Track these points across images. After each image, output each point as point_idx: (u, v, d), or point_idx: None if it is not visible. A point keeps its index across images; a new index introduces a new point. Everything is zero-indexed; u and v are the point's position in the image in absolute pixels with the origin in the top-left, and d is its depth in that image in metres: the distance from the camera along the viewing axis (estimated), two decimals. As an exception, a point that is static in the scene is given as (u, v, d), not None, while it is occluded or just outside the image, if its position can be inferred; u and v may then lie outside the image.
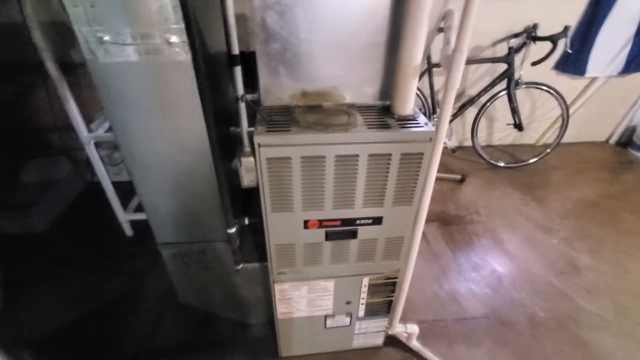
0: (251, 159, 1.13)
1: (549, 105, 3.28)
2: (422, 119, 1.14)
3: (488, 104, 3.10)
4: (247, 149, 1.13)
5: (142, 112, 1.11)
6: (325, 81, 1.18)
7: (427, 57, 2.99)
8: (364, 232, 1.25)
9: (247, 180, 1.14)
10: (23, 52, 2.25)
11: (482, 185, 3.16)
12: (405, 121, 1.12)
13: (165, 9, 0.96)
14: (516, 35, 2.96)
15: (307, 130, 1.04)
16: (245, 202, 1.77)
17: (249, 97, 1.13)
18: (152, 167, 1.23)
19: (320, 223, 1.20)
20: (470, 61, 3.10)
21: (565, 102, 3.10)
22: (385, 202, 1.19)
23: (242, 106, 1.09)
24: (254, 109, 1.05)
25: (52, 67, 1.72)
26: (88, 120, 2.00)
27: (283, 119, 1.12)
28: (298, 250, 1.28)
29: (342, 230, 1.23)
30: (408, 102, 1.13)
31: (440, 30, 1.15)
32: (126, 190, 2.23)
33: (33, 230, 2.52)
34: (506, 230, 2.62)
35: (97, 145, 2.03)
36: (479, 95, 3.08)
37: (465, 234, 2.57)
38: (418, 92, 3.14)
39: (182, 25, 0.97)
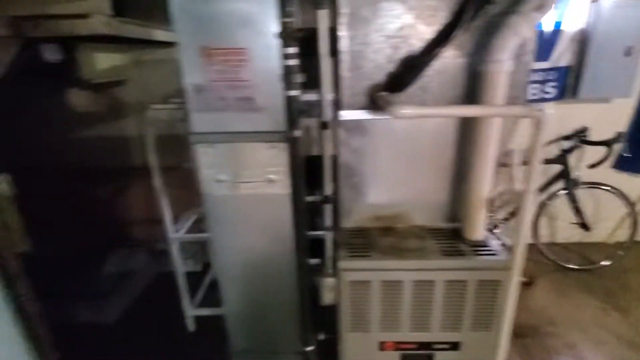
0: (332, 279, 1.23)
1: (615, 204, 3.13)
2: (494, 244, 1.20)
3: (547, 202, 3.05)
4: (330, 270, 1.24)
5: (240, 232, 1.30)
6: (398, 206, 1.32)
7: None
8: (441, 357, 1.23)
9: (327, 298, 1.22)
10: (130, 157, 2.75)
11: (553, 289, 2.92)
12: (478, 247, 1.19)
13: (273, 157, 1.20)
14: (567, 138, 3.03)
15: (386, 257, 1.14)
16: (319, 315, 1.81)
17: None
18: (238, 279, 1.37)
19: (397, 345, 1.20)
20: (523, 162, 3.16)
21: (629, 200, 2.96)
22: (463, 327, 1.18)
23: (329, 235, 1.23)
24: (338, 234, 1.18)
25: (155, 174, 2.04)
26: (172, 218, 2.27)
27: (361, 242, 1.23)
28: (372, 372, 1.27)
29: (419, 354, 1.21)
30: (479, 228, 1.21)
31: (503, 164, 1.27)
32: (191, 282, 2.39)
33: (104, 320, 2.70)
34: (589, 347, 2.32)
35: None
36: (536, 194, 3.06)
37: (542, 349, 2.31)
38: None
39: (283, 168, 1.19)
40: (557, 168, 3.02)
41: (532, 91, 3.03)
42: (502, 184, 3.39)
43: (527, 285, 2.98)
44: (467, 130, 1.18)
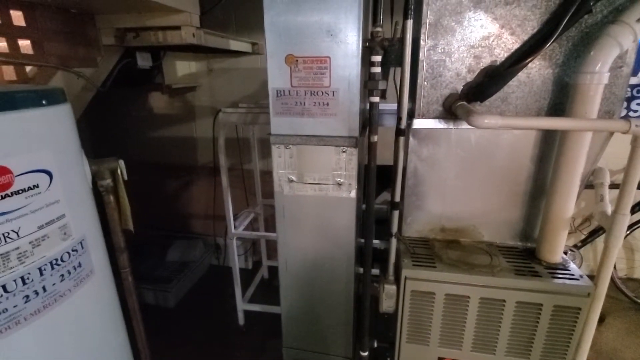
0: (393, 286, 1.22)
1: None
2: (574, 269, 1.11)
3: (627, 232, 2.74)
4: (391, 277, 1.23)
5: (305, 232, 1.35)
6: (465, 220, 1.28)
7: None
8: (505, 383, 1.16)
9: (385, 305, 1.22)
10: (193, 156, 2.98)
11: (627, 329, 2.60)
12: (555, 270, 1.11)
13: (342, 161, 1.23)
14: (656, 162, 2.71)
15: (452, 269, 1.11)
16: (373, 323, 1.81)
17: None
18: (298, 276, 1.42)
19: (457, 364, 1.16)
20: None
21: None
22: (532, 355, 1.11)
23: (394, 241, 1.23)
24: (403, 242, 1.18)
25: (224, 172, 2.19)
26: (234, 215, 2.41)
27: (425, 252, 1.21)
28: (428, 387, 1.23)
29: (481, 377, 1.16)
30: (558, 251, 1.13)
31: (589, 186, 1.18)
32: (243, 279, 2.50)
33: (165, 305, 2.91)
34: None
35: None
36: (614, 222, 2.76)
37: (613, 396, 2.06)
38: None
39: (352, 172, 1.22)
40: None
41: (638, 107, 2.77)
42: (586, 206, 3.12)
43: (598, 322, 2.69)
44: (551, 145, 1.11)
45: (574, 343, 1.08)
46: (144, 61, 2.34)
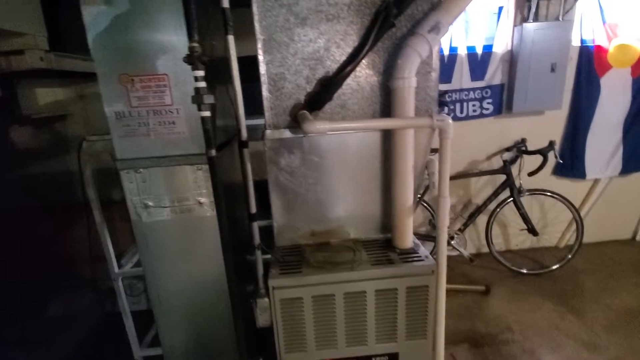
0: (265, 299, 1.21)
1: (559, 209, 3.33)
2: (422, 251, 1.24)
3: (497, 210, 3.20)
4: (262, 290, 1.22)
5: (172, 258, 1.27)
6: (332, 221, 1.34)
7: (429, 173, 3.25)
8: (381, 370, 1.22)
9: (261, 320, 1.20)
10: (70, 192, 2.65)
11: (509, 295, 3.01)
12: (407, 255, 1.22)
13: (200, 179, 1.20)
14: (508, 150, 3.25)
15: (316, 271, 1.15)
16: (260, 340, 1.76)
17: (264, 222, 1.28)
18: (175, 306, 1.32)
19: (335, 362, 1.19)
20: (469, 174, 3.34)
21: (572, 204, 3.16)
22: (399, 337, 1.19)
23: (258, 254, 1.23)
24: (268, 252, 1.18)
25: (95, 208, 1.97)
26: (118, 253, 2.18)
27: (295, 259, 1.24)
28: (315, 393, 1.23)
29: (359, 370, 1.20)
30: (407, 237, 1.25)
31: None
32: (142, 320, 2.26)
33: (47, 369, 2.47)
34: (547, 351, 2.38)
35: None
36: (485, 204, 3.21)
37: (501, 358, 2.34)
38: (426, 206, 3.30)
39: (211, 190, 1.20)
40: (502, 178, 3.20)
41: (472, 108, 3.26)
42: (464, 193, 3.52)
43: (483, 293, 3.06)
44: (388, 143, 1.24)
45: (431, 318, 1.19)
46: (-10, 90, 2.02)
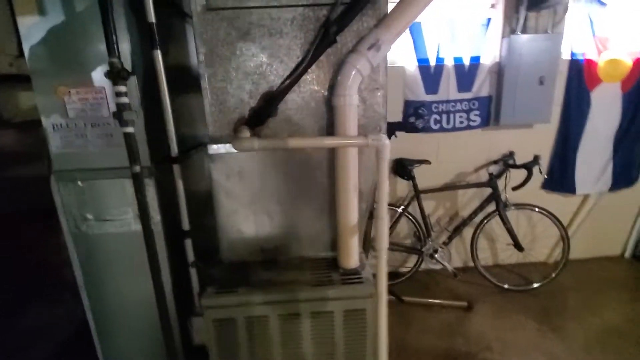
0: (200, 318, 1.18)
1: (547, 224, 3.25)
2: (366, 272, 1.20)
3: (483, 224, 3.14)
4: (198, 309, 1.19)
5: (112, 272, 1.25)
6: (281, 239, 1.31)
7: (414, 184, 3.19)
8: (318, 396, 1.18)
9: (197, 339, 1.17)
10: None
11: (492, 312, 2.93)
12: (349, 276, 1.18)
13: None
14: (495, 162, 3.19)
15: (251, 290, 1.12)
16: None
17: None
18: (114, 321, 1.30)
19: (271, 388, 1.15)
20: (455, 186, 3.28)
21: (559, 220, 3.08)
22: (337, 362, 1.15)
23: (193, 272, 1.20)
24: (200, 268, 1.16)
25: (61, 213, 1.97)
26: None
27: (237, 276, 1.21)
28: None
29: (295, 394, 1.16)
30: (351, 257, 1.21)
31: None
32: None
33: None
34: (523, 372, 2.31)
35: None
36: (471, 217, 3.14)
37: (474, 378, 2.28)
38: (410, 217, 3.25)
39: (152, 203, 1.18)
40: (488, 191, 3.14)
41: (459, 119, 3.21)
42: (451, 206, 3.45)
43: (466, 309, 2.99)
44: (333, 161, 1.21)
45: (370, 343, 1.15)
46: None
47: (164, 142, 1.20)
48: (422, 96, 3.11)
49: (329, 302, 1.10)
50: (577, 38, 2.97)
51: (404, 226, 3.43)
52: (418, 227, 3.26)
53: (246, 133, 1.06)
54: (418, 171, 3.11)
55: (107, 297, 1.27)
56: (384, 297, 1.13)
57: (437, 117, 3.15)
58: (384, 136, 0.99)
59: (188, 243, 1.18)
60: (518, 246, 3.13)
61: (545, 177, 2.93)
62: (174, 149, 1.12)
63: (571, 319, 2.81)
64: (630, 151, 3.29)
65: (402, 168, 3.13)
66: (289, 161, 1.23)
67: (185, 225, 1.17)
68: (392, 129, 2.53)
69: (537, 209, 3.10)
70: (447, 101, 3.13)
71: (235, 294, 1.10)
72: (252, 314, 1.09)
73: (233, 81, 1.14)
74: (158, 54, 1.01)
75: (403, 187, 3.33)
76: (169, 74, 1.12)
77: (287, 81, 1.05)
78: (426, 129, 2.82)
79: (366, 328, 1.13)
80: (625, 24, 2.95)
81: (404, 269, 3.49)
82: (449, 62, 3.04)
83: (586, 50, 2.98)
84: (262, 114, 1.11)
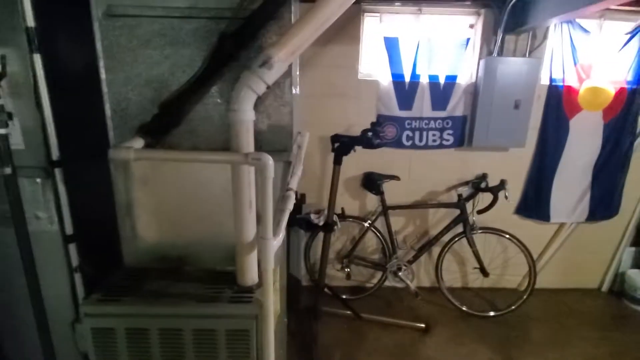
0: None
1: (516, 250, 3.17)
2: (259, 292, 1.17)
3: (449, 245, 3.07)
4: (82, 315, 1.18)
5: (14, 274, 1.23)
6: (185, 249, 1.29)
7: (382, 199, 3.14)
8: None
9: (80, 346, 1.15)
10: None
11: (448, 337, 2.85)
12: (242, 294, 1.15)
13: (37, 193, 1.17)
14: (466, 184, 3.13)
15: (134, 301, 1.09)
16: None
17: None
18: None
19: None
20: (425, 205, 3.23)
21: (525, 247, 3.00)
22: (219, 383, 1.12)
23: (78, 276, 1.19)
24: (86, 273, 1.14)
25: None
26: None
27: (130, 284, 1.19)
28: None
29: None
30: (247, 274, 1.18)
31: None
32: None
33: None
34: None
35: None
36: (437, 237, 3.08)
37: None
38: (377, 233, 3.20)
39: (50, 205, 1.17)
40: (456, 212, 3.08)
41: (432, 137, 3.16)
42: (421, 224, 3.39)
43: (423, 331, 2.91)
44: (234, 176, 1.19)
45: (254, 366, 1.11)
46: None
47: (80, 142, 1.20)
48: (396, 111, 3.08)
49: (211, 319, 1.07)
50: (558, 64, 2.91)
51: (372, 241, 3.38)
52: (384, 243, 3.21)
53: (139, 142, 1.05)
54: (388, 187, 3.07)
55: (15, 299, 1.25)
56: (270, 319, 1.09)
57: (410, 133, 3.12)
58: (266, 155, 0.96)
59: (72, 247, 1.17)
60: (483, 271, 3.06)
61: (509, 201, 2.86)
62: (55, 153, 1.11)
63: (529, 354, 2.71)
64: (610, 182, 3.19)
65: (371, 182, 3.09)
66: (191, 172, 1.21)
67: (69, 229, 1.16)
68: (351, 143, 2.51)
69: (506, 235, 3.02)
70: (421, 118, 3.09)
71: (117, 302, 1.08)
72: (132, 325, 1.07)
73: (135, 88, 1.13)
74: (37, 58, 1.01)
75: (373, 201, 3.29)
76: (76, 75, 1.12)
77: (183, 91, 1.04)
78: (383, 145, 2.77)
79: (249, 350, 1.09)
80: (609, 52, 2.89)
81: (369, 284, 3.43)
82: (424, 80, 3.00)
83: (567, 77, 2.92)
84: (162, 123, 1.10)
